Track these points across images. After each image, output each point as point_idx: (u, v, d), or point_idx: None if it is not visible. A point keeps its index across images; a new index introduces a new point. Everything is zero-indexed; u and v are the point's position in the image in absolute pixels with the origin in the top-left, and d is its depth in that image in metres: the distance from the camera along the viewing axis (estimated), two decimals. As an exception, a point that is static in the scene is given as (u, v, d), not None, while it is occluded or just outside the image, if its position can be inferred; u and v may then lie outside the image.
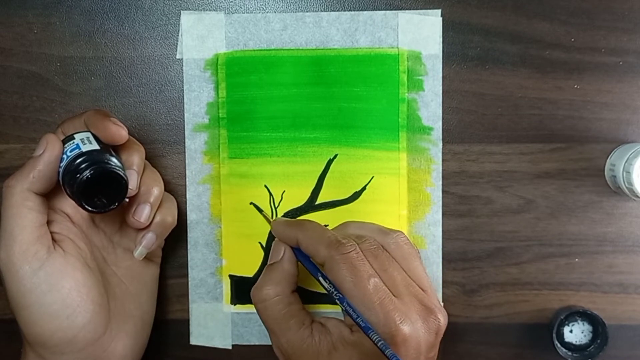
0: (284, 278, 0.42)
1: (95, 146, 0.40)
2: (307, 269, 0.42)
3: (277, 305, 0.41)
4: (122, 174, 0.39)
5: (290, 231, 0.42)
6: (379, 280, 0.39)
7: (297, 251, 0.42)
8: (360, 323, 0.37)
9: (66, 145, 0.40)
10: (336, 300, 0.39)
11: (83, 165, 0.38)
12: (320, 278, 0.40)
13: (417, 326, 0.38)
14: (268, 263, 0.43)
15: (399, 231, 0.42)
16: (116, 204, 0.39)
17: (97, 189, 0.39)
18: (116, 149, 0.41)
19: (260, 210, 0.48)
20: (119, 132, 0.40)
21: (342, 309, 0.39)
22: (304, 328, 0.41)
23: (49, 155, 0.39)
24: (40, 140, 0.40)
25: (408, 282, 0.40)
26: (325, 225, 0.49)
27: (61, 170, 0.39)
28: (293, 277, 0.42)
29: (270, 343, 0.50)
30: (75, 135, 0.40)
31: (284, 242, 0.43)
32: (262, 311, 0.41)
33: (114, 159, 0.40)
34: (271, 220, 0.46)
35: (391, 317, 0.37)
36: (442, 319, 0.40)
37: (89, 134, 0.41)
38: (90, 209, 0.39)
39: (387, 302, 0.38)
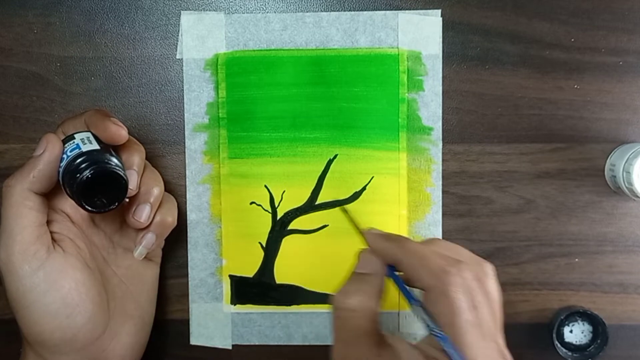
0: (376, 293, 0.38)
1: (95, 146, 0.40)
2: (400, 292, 0.38)
3: (362, 320, 0.37)
4: (122, 173, 0.39)
5: (390, 248, 0.39)
6: (472, 319, 0.35)
7: (391, 269, 0.39)
8: None
9: (66, 145, 0.40)
10: (434, 335, 0.35)
11: (83, 165, 0.38)
12: (419, 308, 0.36)
13: None
14: (356, 270, 0.40)
15: (489, 263, 0.39)
16: (116, 204, 0.39)
17: (97, 189, 0.39)
18: (116, 149, 0.41)
19: (346, 212, 0.45)
20: (119, 132, 0.40)
21: (435, 337, 0.35)
22: (376, 347, 0.37)
23: (49, 154, 0.39)
24: (40, 140, 0.40)
25: (494, 324, 0.37)
26: (324, 226, 0.49)
27: (61, 170, 0.39)
28: (383, 294, 0.39)
29: (270, 343, 0.50)
30: (75, 135, 0.40)
31: (379, 256, 0.39)
32: (343, 320, 0.38)
33: (114, 159, 0.40)
34: (361, 228, 0.42)
35: None
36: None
37: (89, 134, 0.41)
38: (90, 208, 0.39)
39: (483, 346, 0.35)
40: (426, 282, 0.36)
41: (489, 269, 0.38)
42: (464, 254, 0.39)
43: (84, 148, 0.39)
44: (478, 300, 0.36)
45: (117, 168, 0.39)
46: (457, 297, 0.35)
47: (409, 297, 0.38)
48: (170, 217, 0.44)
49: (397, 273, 0.39)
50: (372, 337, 0.38)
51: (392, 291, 0.49)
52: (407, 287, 0.38)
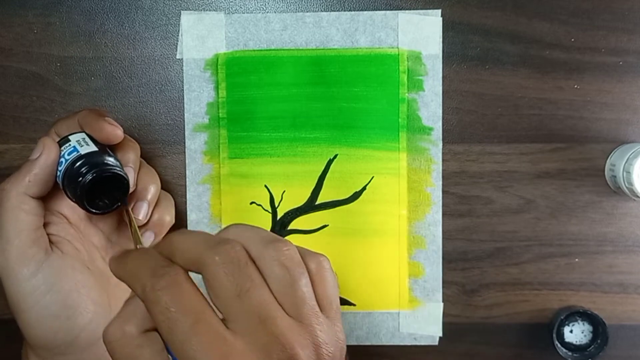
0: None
1: (92, 147, 0.40)
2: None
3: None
4: (123, 174, 0.39)
5: (123, 269, 0.30)
6: (211, 317, 0.30)
7: None
8: None
9: (62, 148, 0.40)
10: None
11: (83, 169, 0.38)
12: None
13: None
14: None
15: (285, 242, 0.31)
16: (119, 204, 0.39)
17: (99, 191, 0.39)
18: (111, 148, 0.41)
19: (130, 223, 0.38)
20: (115, 132, 0.40)
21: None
22: None
23: (46, 158, 0.39)
24: (37, 144, 0.40)
25: (266, 311, 0.29)
26: (324, 226, 0.49)
27: (60, 173, 0.39)
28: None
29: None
30: (70, 137, 0.40)
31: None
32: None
33: (112, 159, 0.40)
34: (140, 243, 0.37)
35: None
36: (305, 354, 0.28)
37: (84, 135, 0.40)
38: (94, 211, 0.39)
39: (216, 347, 0.28)
40: (143, 283, 0.29)
41: (275, 247, 0.30)
42: (256, 236, 0.31)
43: (82, 150, 0.39)
44: (241, 283, 0.29)
45: (118, 169, 0.39)
46: (184, 297, 0.29)
47: None
48: (168, 216, 0.44)
49: None
50: None
51: (392, 290, 0.49)
52: None
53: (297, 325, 0.29)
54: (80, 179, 0.38)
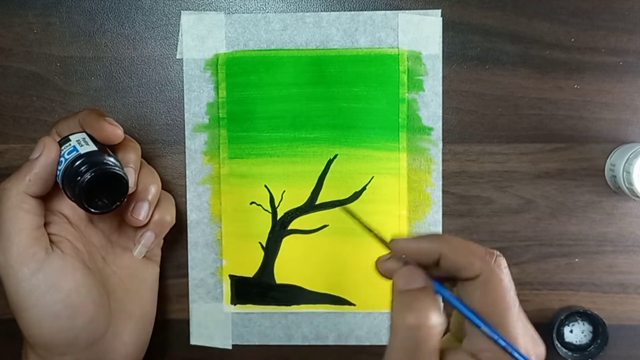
0: (438, 307, 0.34)
1: (92, 147, 0.40)
2: (449, 302, 0.35)
3: (437, 338, 0.34)
4: (122, 173, 0.39)
5: (430, 245, 0.35)
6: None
7: (437, 284, 0.36)
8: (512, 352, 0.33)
9: (63, 147, 0.40)
10: (481, 326, 0.34)
11: (83, 168, 0.38)
12: (475, 323, 0.34)
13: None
14: (403, 289, 0.35)
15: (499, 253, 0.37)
16: (118, 203, 0.39)
17: (98, 190, 0.39)
18: (112, 148, 0.41)
19: (370, 230, 0.39)
20: (115, 132, 0.40)
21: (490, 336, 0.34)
22: None
23: (46, 158, 0.39)
24: (37, 143, 0.40)
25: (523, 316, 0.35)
26: (324, 226, 0.49)
27: (60, 173, 0.39)
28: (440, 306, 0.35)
29: (270, 343, 0.50)
30: (70, 137, 0.40)
31: (413, 261, 0.36)
32: (418, 340, 0.33)
33: (112, 159, 0.40)
34: (385, 239, 0.38)
35: (534, 341, 0.34)
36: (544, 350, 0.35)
37: (84, 135, 0.40)
38: (93, 210, 0.39)
39: (530, 327, 0.34)
40: (477, 267, 0.35)
41: (502, 260, 0.36)
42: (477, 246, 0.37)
43: (82, 150, 0.39)
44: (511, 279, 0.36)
45: (117, 168, 0.39)
46: (506, 278, 0.35)
47: (458, 304, 0.35)
48: (168, 216, 0.44)
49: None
50: (438, 355, 0.34)
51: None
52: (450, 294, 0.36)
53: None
54: (79, 178, 0.38)
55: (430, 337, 0.33)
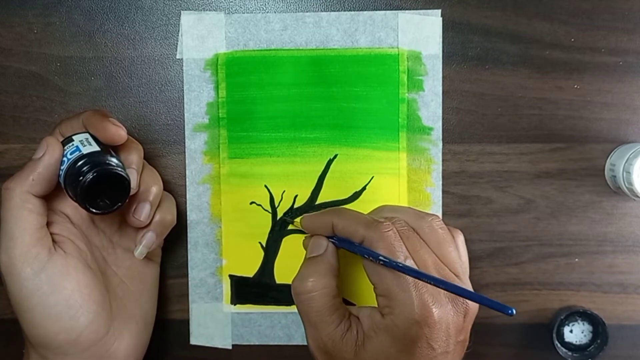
0: (330, 270, 0.42)
1: (95, 147, 0.40)
2: (351, 251, 0.42)
3: (324, 298, 0.41)
4: (124, 174, 0.39)
5: (324, 219, 0.43)
6: (412, 262, 0.39)
7: (335, 239, 0.43)
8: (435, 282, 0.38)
9: (65, 147, 0.40)
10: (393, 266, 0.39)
11: (85, 168, 0.38)
12: (365, 255, 0.40)
13: (447, 309, 0.39)
14: (307, 257, 0.43)
15: (434, 215, 0.42)
16: (119, 204, 0.39)
17: (99, 191, 0.39)
18: (115, 148, 0.41)
19: (288, 218, 0.48)
20: (118, 133, 0.40)
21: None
22: (344, 321, 0.41)
23: (49, 158, 0.39)
24: (40, 143, 0.40)
25: (439, 265, 0.40)
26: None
27: (62, 173, 0.39)
28: (337, 270, 0.42)
29: (270, 343, 0.50)
30: (73, 137, 0.40)
31: (318, 233, 0.43)
32: (306, 302, 0.41)
33: (114, 160, 0.40)
34: (296, 220, 0.46)
35: (423, 298, 0.38)
36: (471, 302, 0.40)
37: (87, 135, 0.40)
38: (94, 211, 0.39)
39: (419, 284, 0.38)
40: (360, 234, 0.40)
41: (429, 221, 0.42)
42: (404, 210, 0.43)
43: (84, 150, 0.39)
44: (413, 245, 0.40)
45: (119, 169, 0.39)
46: (387, 243, 0.39)
47: (357, 249, 0.41)
48: (170, 216, 0.44)
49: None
50: (340, 313, 0.41)
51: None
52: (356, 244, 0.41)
53: (458, 279, 0.40)
54: (81, 178, 0.38)
55: (313, 299, 0.41)
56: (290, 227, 0.49)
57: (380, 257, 0.39)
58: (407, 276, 0.38)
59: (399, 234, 0.40)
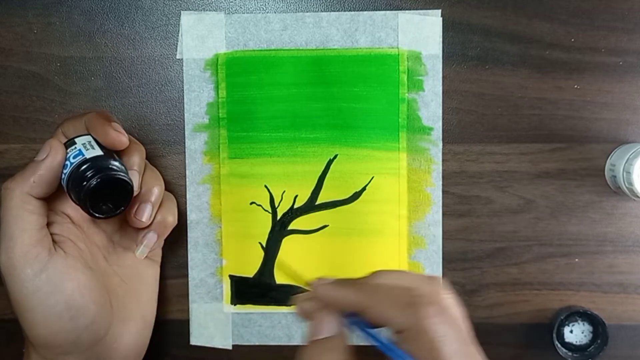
0: (345, 355, 0.34)
1: (98, 151, 0.40)
2: (375, 344, 0.33)
3: None
4: (127, 179, 0.39)
5: (351, 294, 0.34)
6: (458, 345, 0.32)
7: (352, 320, 0.34)
8: None
9: (68, 150, 0.40)
10: None
11: (88, 173, 0.38)
12: (394, 348, 0.32)
13: None
14: (314, 338, 0.34)
15: (439, 277, 0.36)
16: (122, 208, 0.40)
17: (103, 195, 0.39)
18: (117, 150, 0.41)
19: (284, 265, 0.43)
20: (120, 139, 0.40)
21: None
22: None
23: (52, 160, 0.39)
24: (43, 145, 0.40)
25: (467, 341, 0.34)
26: (324, 226, 0.49)
27: (65, 176, 0.39)
28: (350, 355, 0.34)
29: (270, 343, 0.50)
30: (76, 140, 0.40)
31: (333, 308, 0.34)
32: None
33: (117, 164, 0.40)
34: (305, 281, 0.37)
35: None
36: None
37: (90, 138, 0.40)
38: (97, 215, 0.39)
39: None
40: (399, 320, 0.32)
41: (442, 286, 0.34)
42: (414, 278, 0.35)
43: (87, 154, 0.39)
44: (448, 323, 0.32)
45: (122, 174, 0.39)
46: (436, 329, 0.31)
47: (380, 343, 0.33)
48: (171, 217, 0.44)
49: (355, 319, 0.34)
50: None
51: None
52: (372, 331, 0.34)
53: None
54: (85, 183, 0.38)
55: None
56: (289, 227, 0.49)
57: None
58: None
59: (439, 314, 0.32)
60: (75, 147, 0.40)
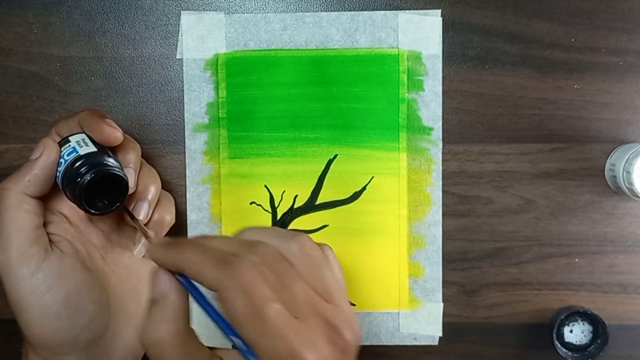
0: (176, 314, 0.34)
1: (92, 148, 0.40)
2: (196, 302, 0.34)
3: (174, 349, 0.33)
4: (122, 174, 0.39)
5: (170, 255, 0.34)
6: (279, 306, 0.31)
7: (183, 278, 0.34)
8: None
9: (62, 148, 0.40)
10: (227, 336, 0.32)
11: (82, 169, 0.38)
12: (212, 313, 0.33)
13: (324, 351, 0.31)
14: (150, 297, 0.34)
15: (302, 234, 0.34)
16: (118, 204, 0.39)
17: (98, 191, 0.39)
18: (112, 148, 0.41)
19: (133, 219, 0.42)
20: (114, 134, 0.40)
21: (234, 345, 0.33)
22: None
23: (46, 159, 0.39)
24: (37, 144, 0.40)
25: (312, 298, 0.33)
26: (324, 226, 0.49)
27: (60, 174, 0.39)
28: (185, 310, 0.35)
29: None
30: (70, 138, 0.40)
31: (166, 269, 0.34)
32: (157, 355, 0.33)
33: (111, 160, 0.40)
34: (149, 236, 0.40)
35: (296, 347, 0.31)
36: (350, 334, 0.33)
37: (84, 136, 0.40)
38: (92, 211, 0.39)
39: (290, 331, 0.31)
40: (208, 278, 0.31)
41: (298, 242, 0.33)
42: (268, 232, 0.34)
43: (81, 151, 0.39)
44: (281, 277, 0.32)
45: (117, 169, 0.39)
46: (243, 289, 0.30)
47: (202, 303, 0.34)
48: (168, 215, 0.44)
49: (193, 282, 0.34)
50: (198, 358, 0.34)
51: (392, 290, 0.49)
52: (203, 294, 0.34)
53: (335, 308, 0.33)
54: (79, 179, 0.38)
55: (163, 351, 0.33)
56: (289, 227, 0.49)
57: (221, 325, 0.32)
58: (273, 325, 0.31)
59: (265, 265, 0.31)
60: (70, 145, 0.40)
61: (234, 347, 0.33)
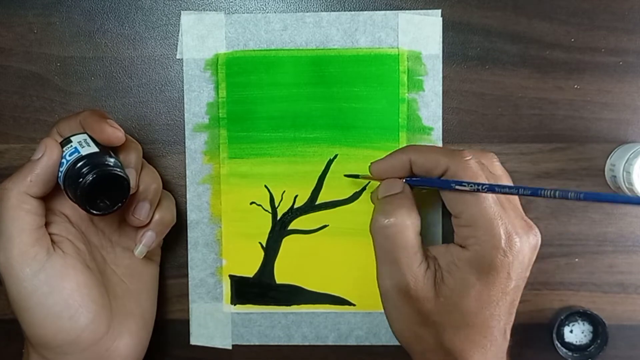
0: (412, 207, 0.41)
1: (94, 148, 0.40)
2: (429, 187, 0.41)
3: (412, 233, 0.40)
4: (123, 175, 0.39)
5: (400, 157, 0.42)
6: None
7: (410, 181, 0.42)
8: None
9: (64, 149, 0.40)
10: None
11: (84, 170, 0.38)
12: (451, 186, 0.39)
13: (524, 239, 0.39)
14: (381, 196, 0.42)
15: (492, 152, 0.43)
16: (119, 205, 0.39)
17: (99, 192, 0.39)
18: (113, 148, 0.41)
19: (354, 176, 0.47)
20: (116, 134, 0.40)
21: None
22: (425, 260, 0.40)
23: (48, 159, 0.39)
24: (39, 144, 0.40)
25: (509, 197, 0.40)
26: (324, 226, 0.49)
27: (61, 174, 0.39)
28: (417, 209, 0.41)
29: (270, 343, 0.50)
30: (72, 139, 0.40)
31: (392, 174, 0.42)
32: (392, 238, 0.40)
33: (113, 160, 0.40)
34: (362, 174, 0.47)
35: (508, 228, 0.38)
36: (539, 235, 0.40)
37: (85, 136, 0.41)
38: (94, 212, 0.39)
39: (503, 215, 0.38)
40: (442, 163, 0.40)
41: (490, 157, 0.42)
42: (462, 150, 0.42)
43: (83, 151, 0.39)
44: (487, 177, 0.40)
45: (118, 170, 0.39)
46: (472, 170, 0.39)
47: (440, 183, 0.40)
48: (169, 215, 0.44)
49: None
50: (420, 251, 0.40)
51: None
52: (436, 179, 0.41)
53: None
54: (81, 179, 0.38)
55: (401, 233, 0.40)
56: (289, 227, 0.49)
57: (470, 183, 0.38)
58: (492, 205, 0.38)
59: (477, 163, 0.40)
60: (71, 145, 0.40)
61: None
